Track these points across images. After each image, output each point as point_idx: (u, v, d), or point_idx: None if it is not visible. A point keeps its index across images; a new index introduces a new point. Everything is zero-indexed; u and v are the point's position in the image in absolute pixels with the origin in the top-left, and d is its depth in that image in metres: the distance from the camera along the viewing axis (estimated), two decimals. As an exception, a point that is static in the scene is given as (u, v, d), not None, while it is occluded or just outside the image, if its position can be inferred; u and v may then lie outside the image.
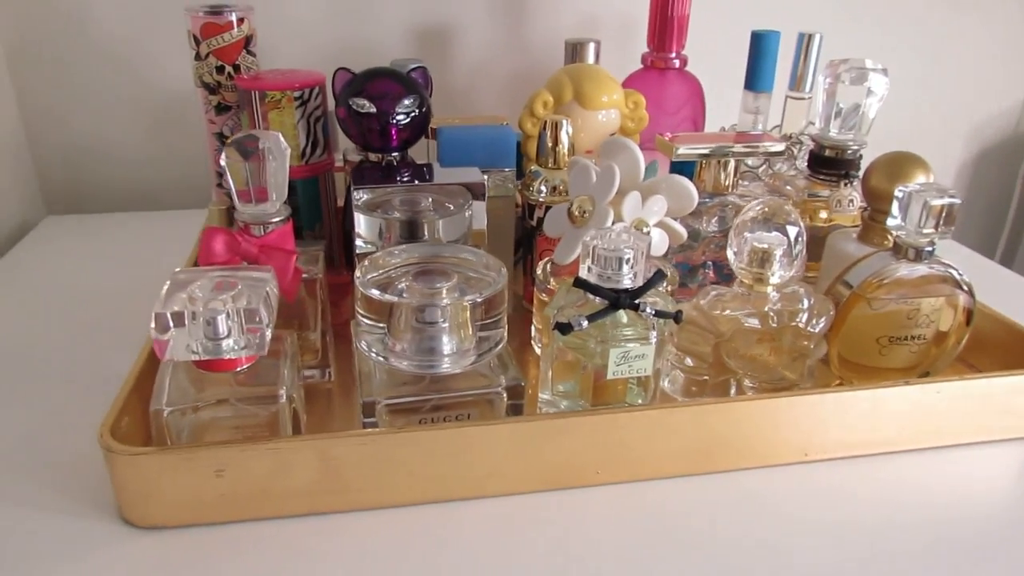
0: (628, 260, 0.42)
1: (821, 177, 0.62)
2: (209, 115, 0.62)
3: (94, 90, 0.83)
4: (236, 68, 0.59)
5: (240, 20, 0.58)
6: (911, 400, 0.46)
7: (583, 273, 0.44)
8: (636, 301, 0.43)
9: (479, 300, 0.42)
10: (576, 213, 0.51)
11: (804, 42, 0.71)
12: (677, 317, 0.44)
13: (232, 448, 0.39)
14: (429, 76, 0.58)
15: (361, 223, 0.52)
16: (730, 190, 0.58)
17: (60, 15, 0.79)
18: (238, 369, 0.41)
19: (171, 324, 0.38)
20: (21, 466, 0.45)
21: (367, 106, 0.53)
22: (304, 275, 0.49)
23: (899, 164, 0.55)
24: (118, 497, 0.40)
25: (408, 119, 0.54)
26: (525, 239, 0.62)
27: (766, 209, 0.46)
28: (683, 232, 0.52)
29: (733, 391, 0.50)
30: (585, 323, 0.42)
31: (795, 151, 0.68)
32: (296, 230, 0.62)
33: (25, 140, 0.84)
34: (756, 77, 0.72)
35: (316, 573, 0.38)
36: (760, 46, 0.71)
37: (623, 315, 0.44)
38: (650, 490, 0.44)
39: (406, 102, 0.54)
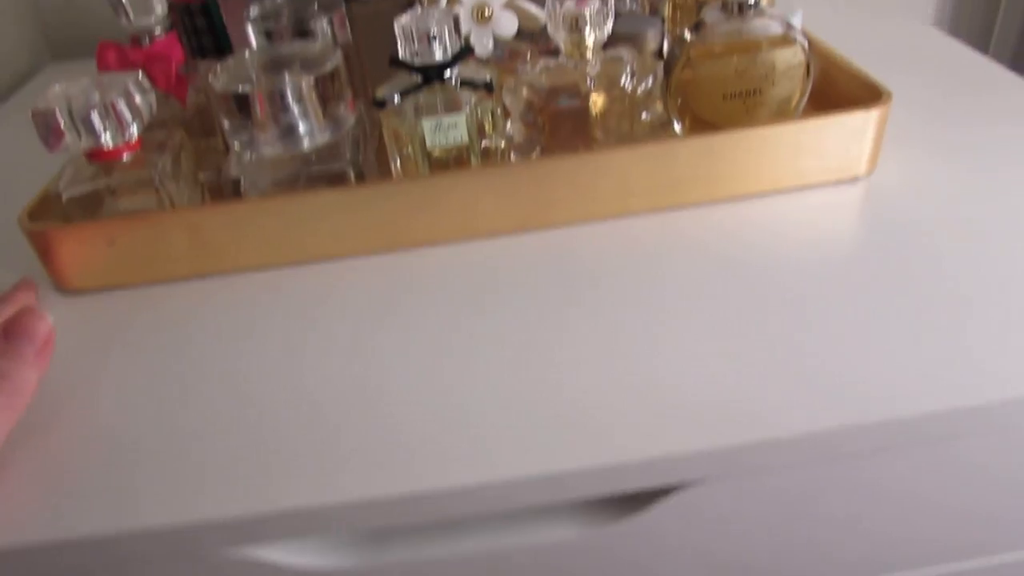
0: (434, 37, 0.47)
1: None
2: (133, -53, 0.67)
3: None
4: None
5: None
6: (729, 147, 0.49)
7: (400, 54, 0.48)
8: (446, 74, 0.48)
9: (314, 78, 0.48)
10: (425, 3, 0.54)
11: None
12: (488, 86, 0.48)
13: (115, 221, 0.49)
14: None
15: (252, 35, 0.58)
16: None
17: None
18: (124, 159, 0.50)
19: (47, 121, 0.47)
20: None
21: (239, -81, 0.58)
22: (192, 83, 0.56)
23: (756, -80, 0.54)
24: (44, 266, 0.51)
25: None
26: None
27: (571, -25, 0.48)
28: (538, 14, 0.55)
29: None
30: (397, 98, 0.48)
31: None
32: (221, 50, 0.68)
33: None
34: None
35: (195, 329, 0.47)
36: None
37: (452, 89, 0.49)
38: (479, 248, 0.50)
39: (274, -90, 0.58)
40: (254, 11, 0.58)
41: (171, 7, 0.66)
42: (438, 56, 0.47)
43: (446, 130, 0.48)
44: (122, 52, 0.54)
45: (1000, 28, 1.02)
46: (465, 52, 0.48)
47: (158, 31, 0.54)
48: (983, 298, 0.41)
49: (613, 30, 0.50)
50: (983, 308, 0.41)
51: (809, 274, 0.44)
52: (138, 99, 0.49)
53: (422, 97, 0.49)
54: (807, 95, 0.53)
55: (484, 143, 0.51)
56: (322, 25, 0.58)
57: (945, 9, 1.03)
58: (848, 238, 0.47)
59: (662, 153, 0.49)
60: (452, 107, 0.49)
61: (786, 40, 0.51)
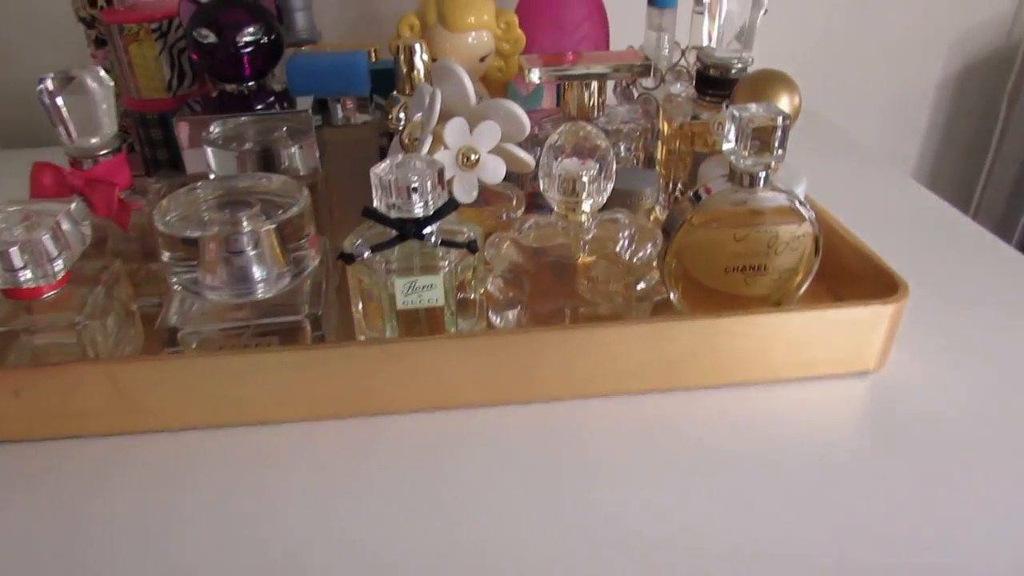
0: (416, 189, 0.42)
1: (707, 99, 0.59)
2: (91, 49, 0.63)
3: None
4: (109, 1, 0.60)
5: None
6: (732, 332, 0.45)
7: (375, 203, 0.43)
8: (426, 230, 0.42)
9: (274, 224, 0.43)
10: (407, 140, 0.50)
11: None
12: (471, 247, 0.43)
13: (26, 370, 0.41)
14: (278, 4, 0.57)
15: (212, 158, 0.52)
16: (596, 113, 0.56)
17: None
18: (44, 296, 0.43)
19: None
20: None
21: (209, 36, 0.53)
22: (136, 208, 0.50)
23: (762, 84, 0.52)
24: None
25: (254, 47, 0.54)
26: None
27: (569, 136, 0.44)
28: (529, 160, 0.51)
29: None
30: (367, 253, 0.42)
31: (661, 71, 0.65)
32: (174, 162, 0.63)
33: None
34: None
35: (107, 492, 0.40)
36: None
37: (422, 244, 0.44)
38: (446, 419, 0.44)
39: (250, 30, 0.54)
40: (215, 130, 0.53)
41: (125, 114, 0.61)
42: (418, 210, 0.42)
43: (420, 291, 0.43)
44: (59, 175, 0.47)
45: (986, 189, 1.03)
46: (450, 207, 0.43)
47: (103, 152, 0.49)
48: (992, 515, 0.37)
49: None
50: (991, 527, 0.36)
51: (808, 477, 0.40)
52: (69, 232, 0.43)
53: (396, 252, 0.43)
54: (813, 273, 0.49)
55: (459, 295, 0.46)
56: (290, 152, 0.53)
57: (924, 165, 1.04)
58: (853, 440, 0.43)
59: (660, 332, 0.44)
60: (429, 265, 0.44)
61: (792, 213, 0.47)
